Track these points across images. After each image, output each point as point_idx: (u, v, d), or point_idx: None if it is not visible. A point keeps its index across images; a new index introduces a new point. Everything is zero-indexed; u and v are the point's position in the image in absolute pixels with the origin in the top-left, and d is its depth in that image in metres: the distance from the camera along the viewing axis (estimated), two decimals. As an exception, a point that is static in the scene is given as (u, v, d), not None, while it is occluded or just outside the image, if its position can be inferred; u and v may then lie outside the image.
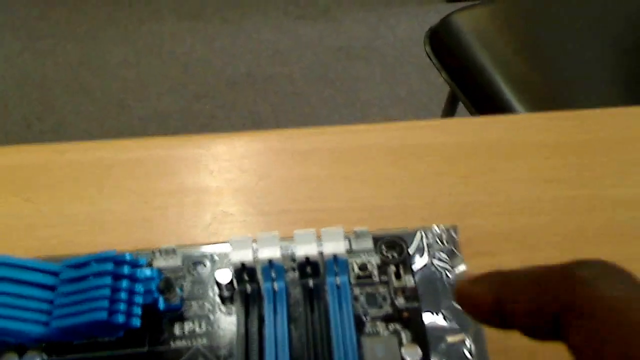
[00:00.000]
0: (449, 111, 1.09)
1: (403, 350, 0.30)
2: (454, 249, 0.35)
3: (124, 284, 0.30)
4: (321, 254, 0.31)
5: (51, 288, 0.30)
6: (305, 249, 0.31)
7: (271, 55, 1.78)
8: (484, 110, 0.86)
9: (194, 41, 1.82)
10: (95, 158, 0.40)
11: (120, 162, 0.40)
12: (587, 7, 0.95)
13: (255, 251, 0.31)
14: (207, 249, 0.35)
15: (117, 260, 0.30)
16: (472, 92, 0.89)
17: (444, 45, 0.94)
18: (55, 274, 0.30)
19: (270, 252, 0.31)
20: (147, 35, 1.84)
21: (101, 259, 0.30)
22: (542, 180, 0.40)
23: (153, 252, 0.33)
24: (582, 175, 0.40)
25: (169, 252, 0.34)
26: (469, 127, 0.43)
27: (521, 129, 0.43)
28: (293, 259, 0.33)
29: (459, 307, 0.32)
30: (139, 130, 1.56)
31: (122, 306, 0.29)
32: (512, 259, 0.36)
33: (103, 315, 0.28)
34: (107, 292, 0.29)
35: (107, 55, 1.78)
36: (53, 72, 1.73)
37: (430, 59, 0.94)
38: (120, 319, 0.29)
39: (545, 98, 0.84)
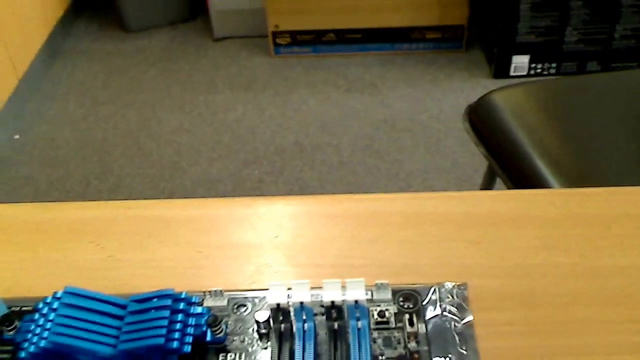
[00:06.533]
0: (488, 184, 1.13)
1: (411, 384, 0.35)
2: (462, 302, 0.40)
3: (179, 317, 0.36)
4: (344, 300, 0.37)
5: (120, 318, 0.36)
6: (331, 295, 0.37)
7: (319, 126, 1.86)
8: (520, 184, 0.90)
9: (245, 110, 1.92)
10: (157, 214, 0.47)
11: (178, 218, 0.47)
12: (618, 94, 1.00)
13: (289, 295, 0.37)
14: (249, 294, 0.41)
15: (175, 297, 0.37)
16: (508, 166, 0.94)
17: (481, 122, 0.99)
18: (123, 306, 0.37)
19: (302, 296, 0.37)
20: (202, 104, 1.96)
21: (162, 295, 0.36)
22: (545, 248, 0.45)
23: (204, 293, 0.40)
24: (581, 245, 0.45)
25: (217, 294, 0.40)
26: (483, 199, 0.49)
27: (527, 203, 0.48)
28: (322, 305, 0.38)
29: (464, 352, 0.37)
30: (190, 193, 1.65)
31: (176, 335, 0.35)
32: (514, 315, 0.41)
33: (160, 341, 0.35)
34: (164, 322, 0.35)
35: (164, 121, 1.89)
36: (112, 136, 1.84)
37: (469, 135, 0.99)
38: (175, 345, 0.35)
39: (579, 175, 0.89)
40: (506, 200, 0.49)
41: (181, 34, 2.31)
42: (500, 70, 1.96)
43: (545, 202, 0.48)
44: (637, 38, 1.88)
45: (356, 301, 0.37)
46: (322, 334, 0.38)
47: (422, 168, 1.71)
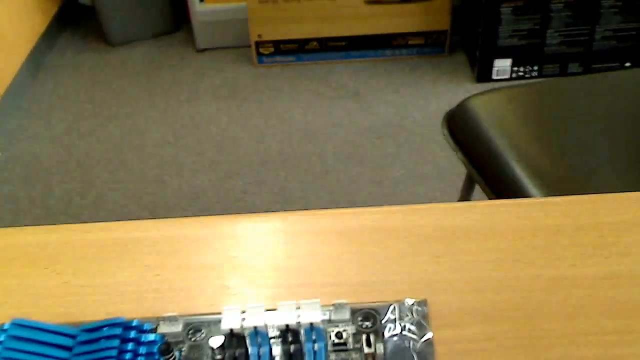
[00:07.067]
0: (467, 191, 1.12)
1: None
2: (422, 320, 0.40)
3: (129, 346, 0.35)
4: (299, 322, 0.36)
5: (69, 349, 0.35)
6: (285, 318, 0.36)
7: (303, 134, 1.85)
8: (499, 191, 0.89)
9: (229, 121, 1.91)
10: (115, 237, 0.47)
11: (136, 240, 0.46)
12: (599, 97, 0.99)
13: (243, 319, 0.37)
14: (205, 318, 0.40)
15: (126, 326, 0.36)
16: (487, 174, 0.93)
17: (460, 128, 0.99)
18: (72, 336, 0.36)
19: (256, 320, 0.36)
20: (185, 115, 1.95)
21: (112, 324, 0.36)
22: (508, 260, 0.44)
23: (158, 319, 0.39)
24: (544, 256, 0.44)
25: (172, 319, 0.39)
26: (447, 211, 0.48)
27: (492, 215, 0.48)
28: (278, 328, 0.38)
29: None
30: (173, 206, 1.64)
31: (126, 365, 0.34)
32: (475, 332, 0.40)
33: (109, 372, 0.34)
34: (114, 352, 0.34)
35: (146, 134, 1.88)
36: (95, 151, 1.83)
37: (447, 142, 0.99)
38: (124, 375, 0.34)
39: (559, 180, 0.88)
40: (469, 212, 0.48)
41: (164, 45, 2.30)
42: (483, 74, 1.96)
43: (507, 214, 0.48)
44: (617, 39, 1.88)
45: (311, 323, 0.37)
46: (278, 357, 0.38)
47: (407, 174, 1.70)
